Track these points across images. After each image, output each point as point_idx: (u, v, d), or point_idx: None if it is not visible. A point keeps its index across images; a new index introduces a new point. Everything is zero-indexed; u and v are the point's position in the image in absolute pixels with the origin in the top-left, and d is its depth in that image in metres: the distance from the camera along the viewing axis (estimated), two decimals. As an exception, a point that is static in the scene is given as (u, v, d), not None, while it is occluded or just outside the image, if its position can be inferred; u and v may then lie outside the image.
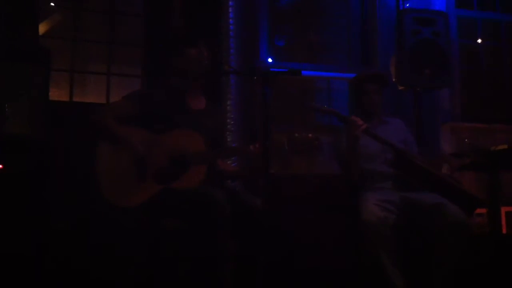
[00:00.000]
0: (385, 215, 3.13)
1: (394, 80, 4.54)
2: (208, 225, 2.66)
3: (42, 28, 4.51)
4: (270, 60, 4.73)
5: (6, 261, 3.21)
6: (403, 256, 3.12)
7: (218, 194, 2.71)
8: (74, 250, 3.68)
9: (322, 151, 2.93)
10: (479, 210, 3.64)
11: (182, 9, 4.37)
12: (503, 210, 4.31)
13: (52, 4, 4.63)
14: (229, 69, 3.88)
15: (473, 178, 4.48)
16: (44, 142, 3.45)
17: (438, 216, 3.15)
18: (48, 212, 3.42)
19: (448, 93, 5.02)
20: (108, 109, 3.06)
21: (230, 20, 4.14)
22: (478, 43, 5.56)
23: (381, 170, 3.46)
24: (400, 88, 4.59)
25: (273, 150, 2.84)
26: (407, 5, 4.82)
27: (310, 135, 2.89)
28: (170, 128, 2.95)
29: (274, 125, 4.40)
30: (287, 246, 3.76)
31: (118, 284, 3.60)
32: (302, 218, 4.15)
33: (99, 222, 3.64)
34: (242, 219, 2.85)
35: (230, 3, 4.16)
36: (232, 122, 4.04)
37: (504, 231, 4.34)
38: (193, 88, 3.16)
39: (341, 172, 3.57)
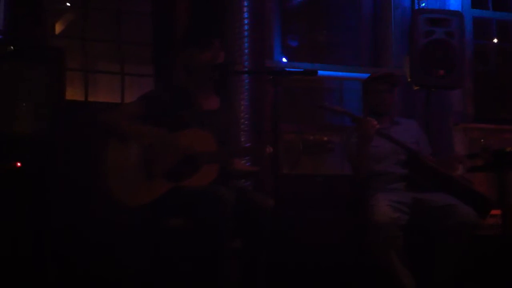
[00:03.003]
0: (398, 216, 3.13)
1: (408, 80, 4.53)
2: (212, 223, 2.66)
3: (56, 28, 4.55)
4: (284, 59, 4.73)
5: (8, 260, 3.24)
6: (414, 257, 3.12)
7: (224, 192, 2.71)
8: (76, 251, 3.70)
9: (333, 153, 2.94)
10: (493, 211, 3.62)
11: (191, 8, 4.37)
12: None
13: (67, 4, 4.66)
14: (243, 69, 3.88)
15: (485, 179, 4.45)
16: (56, 141, 3.47)
17: (449, 217, 3.15)
18: (54, 211, 3.44)
19: (461, 94, 4.99)
20: (119, 109, 3.07)
21: (245, 20, 4.14)
22: (491, 43, 5.52)
23: (393, 171, 3.46)
24: (415, 88, 4.57)
25: (285, 150, 2.86)
26: (423, 4, 4.79)
27: (324, 138, 2.90)
28: (181, 128, 2.96)
29: (287, 125, 4.41)
30: (295, 246, 3.76)
31: (121, 284, 3.62)
32: (311, 217, 4.14)
33: (103, 222, 3.66)
34: (250, 218, 2.85)
35: (245, 3, 4.16)
36: (246, 122, 4.04)
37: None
38: (205, 88, 3.16)
39: (351, 172, 3.57)
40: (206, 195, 2.71)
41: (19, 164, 3.29)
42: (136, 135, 2.90)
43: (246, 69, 3.96)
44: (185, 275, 2.94)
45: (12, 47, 3.46)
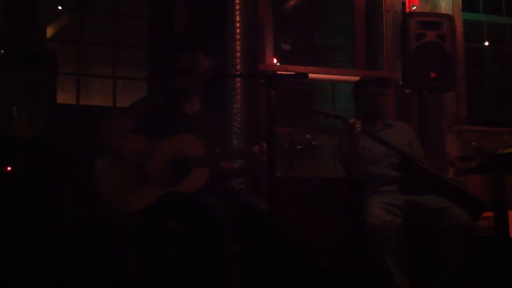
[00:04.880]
0: (391, 218, 3.14)
1: (400, 83, 4.54)
2: (208, 230, 2.67)
3: (49, 32, 4.53)
4: (276, 63, 4.73)
5: (9, 261, 3.23)
6: (408, 259, 3.12)
7: (218, 202, 2.71)
8: (76, 252, 3.69)
9: (319, 151, 2.97)
10: (485, 214, 3.63)
11: (187, 12, 4.37)
12: (510, 213, 4.29)
13: (59, 7, 4.65)
14: (235, 72, 3.88)
15: (479, 181, 4.46)
16: (49, 144, 3.46)
17: (443, 219, 3.16)
18: (51, 214, 3.43)
19: (454, 96, 5.01)
20: (111, 127, 3.04)
21: (236, 23, 4.14)
22: (483, 46, 5.55)
23: (386, 174, 3.47)
24: (407, 91, 4.58)
25: (277, 152, 2.86)
26: (413, 8, 4.82)
27: (308, 135, 2.92)
28: (170, 133, 2.96)
29: (279, 128, 4.41)
30: (291, 248, 3.76)
31: (119, 286, 3.61)
32: (306, 220, 4.14)
33: (101, 224, 3.65)
34: (246, 221, 2.86)
35: (237, 6, 4.16)
36: (238, 125, 4.04)
37: (510, 235, 4.32)
38: (196, 92, 3.18)
39: (345, 175, 3.58)
40: (202, 205, 2.72)
41: (9, 168, 3.28)
42: (129, 149, 2.90)
43: (239, 72, 3.95)
44: (184, 279, 2.94)
45: (2, 51, 3.44)
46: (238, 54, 4.10)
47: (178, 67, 3.14)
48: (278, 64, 4.75)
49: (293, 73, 2.79)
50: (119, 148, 2.91)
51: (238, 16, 4.14)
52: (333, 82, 5.00)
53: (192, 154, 2.93)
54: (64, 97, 4.40)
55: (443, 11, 5.00)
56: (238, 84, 4.06)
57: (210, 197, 2.78)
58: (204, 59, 3.07)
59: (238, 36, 4.11)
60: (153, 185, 2.88)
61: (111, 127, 2.99)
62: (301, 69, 4.50)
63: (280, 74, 2.72)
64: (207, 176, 2.94)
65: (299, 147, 2.92)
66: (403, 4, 4.77)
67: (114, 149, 2.91)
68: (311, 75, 3.17)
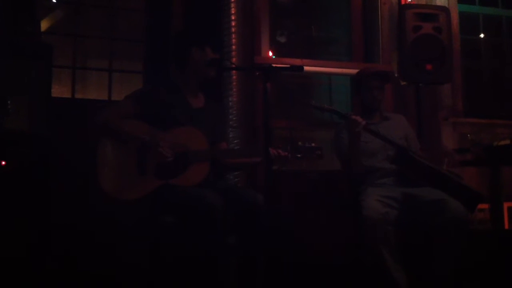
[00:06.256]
0: (387, 211, 3.14)
1: (396, 75, 4.54)
2: (207, 228, 2.67)
3: (44, 25, 4.51)
4: (271, 55, 4.72)
5: (6, 257, 3.22)
6: (404, 252, 3.13)
7: (216, 199, 2.71)
8: (74, 246, 3.69)
9: (323, 159, 2.96)
10: (481, 206, 3.64)
11: (183, 5, 4.36)
12: (506, 205, 4.31)
13: (54, 0, 4.63)
14: (231, 65, 3.88)
15: (475, 174, 4.47)
16: (45, 138, 3.45)
17: (439, 212, 3.16)
18: (49, 207, 3.42)
19: (450, 89, 5.02)
20: (111, 109, 3.05)
21: (232, 15, 4.13)
22: (479, 38, 5.55)
23: (382, 166, 3.47)
24: (403, 83, 4.58)
25: (278, 160, 2.86)
26: (409, 0, 4.81)
27: (313, 144, 2.91)
28: (172, 126, 2.95)
29: (278, 120, 4.40)
30: (288, 243, 3.76)
31: (117, 281, 3.61)
32: (303, 214, 4.15)
33: (99, 217, 3.64)
34: (243, 216, 2.86)
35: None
36: (234, 118, 4.04)
37: (506, 226, 4.34)
38: (196, 86, 3.17)
39: (341, 168, 3.58)
40: (193, 203, 2.72)
41: (3, 162, 3.27)
42: (130, 136, 2.88)
43: (234, 65, 3.95)
44: (182, 273, 2.94)
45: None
46: (234, 46, 4.10)
47: (182, 61, 3.12)
48: (274, 57, 4.74)
49: (289, 65, 2.78)
50: (119, 130, 2.90)
51: (234, 9, 4.13)
52: (330, 74, 5.00)
53: (194, 149, 2.93)
54: (59, 91, 4.39)
55: (439, 3, 5.00)
56: (234, 77, 4.06)
57: (209, 193, 2.76)
58: (209, 53, 3.06)
59: (234, 29, 4.10)
60: (152, 176, 2.87)
61: (113, 110, 2.99)
62: (297, 61, 4.50)
63: (276, 66, 2.72)
64: (207, 171, 2.93)
65: (303, 155, 2.91)
66: (399, -5, 4.78)
67: (114, 131, 2.91)
68: (307, 68, 3.17)
